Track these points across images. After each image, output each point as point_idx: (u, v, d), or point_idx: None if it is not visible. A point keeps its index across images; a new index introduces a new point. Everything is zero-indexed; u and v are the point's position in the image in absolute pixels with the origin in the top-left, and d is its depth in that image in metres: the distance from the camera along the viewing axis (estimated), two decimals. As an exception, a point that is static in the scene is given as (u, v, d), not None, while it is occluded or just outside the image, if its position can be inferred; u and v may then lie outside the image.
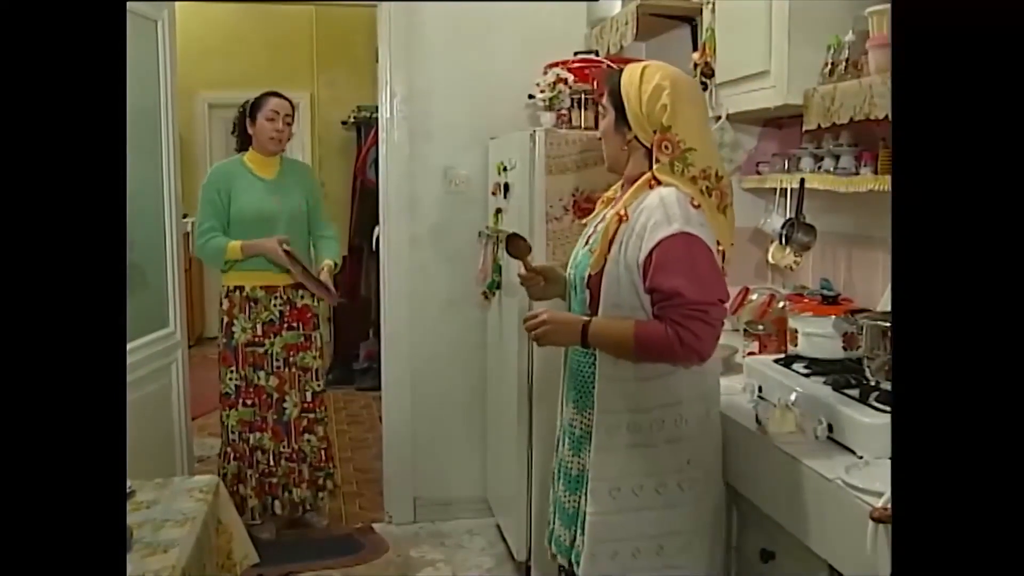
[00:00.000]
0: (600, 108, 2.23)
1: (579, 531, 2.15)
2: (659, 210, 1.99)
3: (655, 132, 2.05)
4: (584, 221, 2.38)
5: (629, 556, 2.09)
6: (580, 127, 3.32)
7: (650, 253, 1.97)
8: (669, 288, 1.95)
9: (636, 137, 2.09)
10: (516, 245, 2.37)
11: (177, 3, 3.80)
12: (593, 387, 2.11)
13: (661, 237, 1.96)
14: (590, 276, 2.09)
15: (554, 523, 2.29)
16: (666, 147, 2.04)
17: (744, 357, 2.64)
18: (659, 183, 2.04)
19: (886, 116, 2.12)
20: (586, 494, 2.12)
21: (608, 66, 3.47)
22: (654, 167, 2.06)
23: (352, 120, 7.51)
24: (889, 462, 1.85)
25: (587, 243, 2.18)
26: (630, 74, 2.11)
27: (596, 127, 2.30)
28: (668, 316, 1.97)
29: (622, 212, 2.06)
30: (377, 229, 4.27)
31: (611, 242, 2.05)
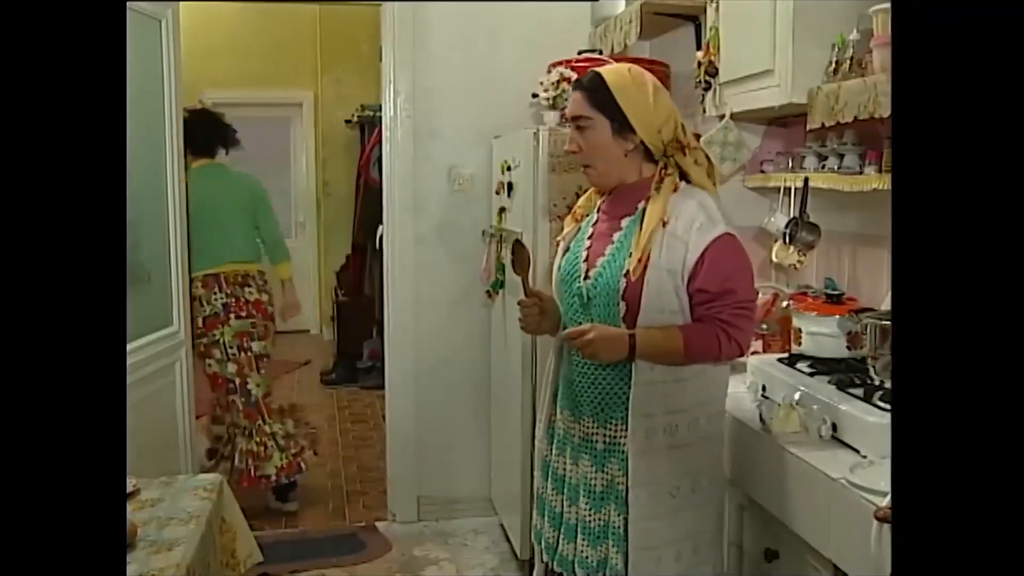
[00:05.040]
0: (580, 123, 2.06)
1: (565, 537, 2.13)
2: (700, 212, 1.99)
3: (659, 132, 2.04)
4: (559, 238, 2.28)
5: (672, 560, 2.03)
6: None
7: (702, 255, 1.96)
8: (721, 288, 1.97)
9: (641, 142, 2.04)
10: (520, 256, 2.19)
11: (181, 2, 3.80)
12: (619, 397, 2.03)
13: (712, 238, 1.96)
14: (627, 286, 1.99)
15: (542, 521, 2.23)
16: (683, 146, 2.07)
17: (748, 356, 2.64)
18: (675, 186, 2.05)
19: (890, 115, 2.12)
20: (578, 504, 2.09)
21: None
22: (688, 170, 2.06)
23: (356, 119, 7.53)
24: (894, 461, 1.87)
25: (604, 254, 2.07)
26: (619, 78, 2.04)
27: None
28: (717, 316, 1.97)
29: (665, 217, 1.99)
30: (381, 228, 4.27)
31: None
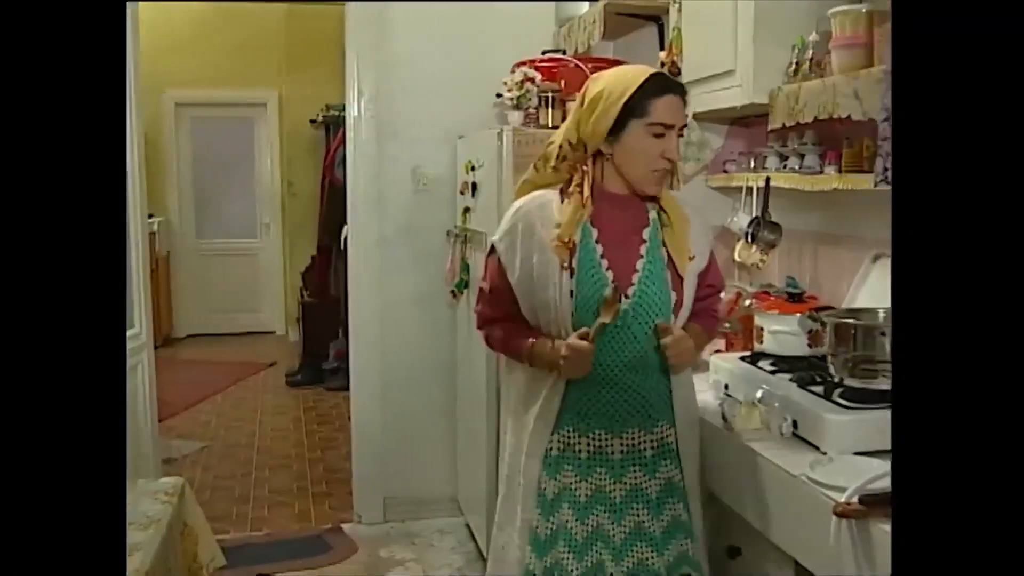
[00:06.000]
0: (682, 129, 2.03)
1: (614, 559, 2.01)
2: (695, 213, 2.13)
3: None
4: (563, 265, 1.99)
5: (703, 551, 2.14)
6: (548, 126, 3.32)
7: (711, 253, 2.14)
8: (720, 282, 2.22)
9: None
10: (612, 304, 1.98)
11: (141, 1, 3.76)
12: (661, 400, 2.06)
13: (711, 237, 2.17)
14: (678, 298, 2.03)
15: (554, 557, 2.03)
16: None
17: (711, 355, 2.65)
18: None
19: (849, 115, 2.14)
20: (626, 519, 2.03)
21: (576, 66, 3.48)
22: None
23: (321, 119, 7.48)
24: (852, 458, 1.89)
25: (637, 270, 2.01)
26: None
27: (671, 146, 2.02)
28: (712, 307, 2.20)
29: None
30: (345, 228, 4.25)
31: None
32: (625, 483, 2.04)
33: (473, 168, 3.54)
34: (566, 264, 1.99)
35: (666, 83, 2.02)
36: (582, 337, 1.95)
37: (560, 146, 2.06)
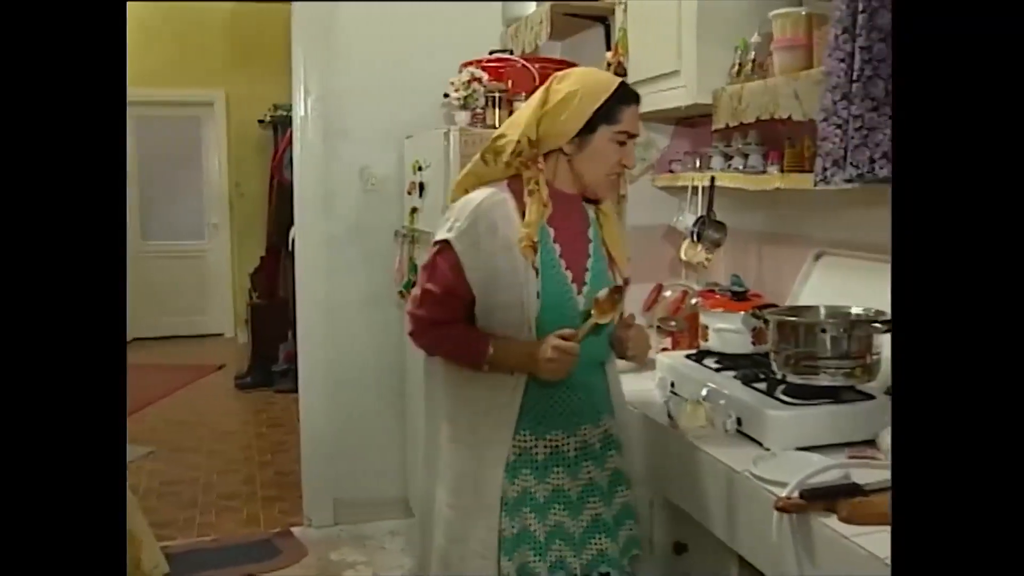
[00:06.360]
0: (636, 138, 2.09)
1: (574, 552, 2.00)
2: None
3: None
4: (535, 264, 1.96)
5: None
6: (495, 126, 3.32)
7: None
8: (628, 279, 2.18)
9: None
10: (612, 302, 2.00)
11: None
12: (602, 393, 2.12)
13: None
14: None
15: (519, 561, 1.99)
16: None
17: (657, 354, 2.67)
18: None
19: (790, 116, 2.18)
20: (583, 512, 2.03)
21: (523, 66, 3.49)
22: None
23: (269, 119, 7.41)
24: (794, 453, 1.92)
25: (588, 268, 2.05)
26: None
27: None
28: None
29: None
30: (293, 229, 4.21)
31: None
32: (580, 479, 2.05)
33: (420, 168, 3.53)
34: (535, 264, 1.96)
35: (632, 93, 2.05)
36: (565, 338, 1.91)
37: (518, 141, 1.99)
